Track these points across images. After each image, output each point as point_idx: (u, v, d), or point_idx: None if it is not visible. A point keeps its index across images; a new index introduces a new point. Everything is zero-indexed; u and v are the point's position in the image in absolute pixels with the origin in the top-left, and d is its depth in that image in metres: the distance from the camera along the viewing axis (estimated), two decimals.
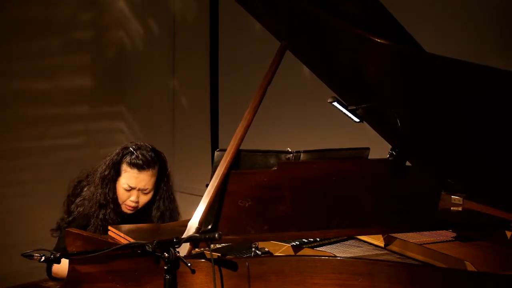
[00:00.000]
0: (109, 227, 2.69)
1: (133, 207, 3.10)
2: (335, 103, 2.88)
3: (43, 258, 2.26)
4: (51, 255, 2.26)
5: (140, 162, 3.06)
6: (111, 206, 3.07)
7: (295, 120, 4.70)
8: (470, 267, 2.42)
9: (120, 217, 3.12)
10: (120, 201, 3.11)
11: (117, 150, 3.12)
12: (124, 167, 3.08)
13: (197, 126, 5.40)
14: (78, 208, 3.12)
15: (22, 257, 2.28)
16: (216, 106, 5.24)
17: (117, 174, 3.09)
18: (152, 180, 3.10)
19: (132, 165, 3.06)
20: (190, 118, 5.49)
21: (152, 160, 3.09)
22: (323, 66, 2.89)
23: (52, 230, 3.18)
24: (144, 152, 3.09)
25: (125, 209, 3.12)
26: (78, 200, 3.15)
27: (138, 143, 3.15)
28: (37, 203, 5.05)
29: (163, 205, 3.16)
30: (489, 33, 3.74)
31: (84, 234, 2.63)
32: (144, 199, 3.11)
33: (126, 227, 2.75)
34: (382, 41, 2.36)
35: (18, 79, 5.09)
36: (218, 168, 2.41)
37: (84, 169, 3.27)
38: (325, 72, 2.92)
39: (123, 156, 3.09)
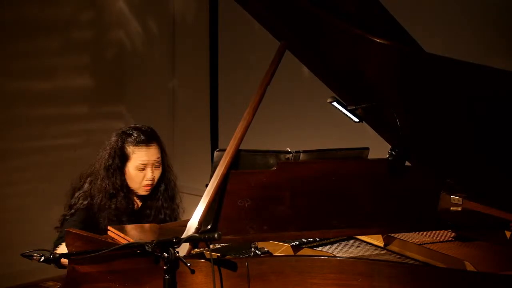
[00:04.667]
0: (109, 227, 2.69)
1: (151, 185, 3.14)
2: (335, 103, 2.88)
3: (42, 258, 2.25)
4: (50, 255, 2.26)
5: (144, 138, 3.12)
6: (121, 194, 3.10)
7: (295, 120, 4.69)
8: (469, 267, 2.42)
9: (131, 204, 3.15)
10: (135, 185, 3.13)
11: (114, 138, 3.14)
12: (131, 148, 3.11)
13: (196, 126, 5.40)
14: (80, 201, 3.12)
15: (22, 257, 2.28)
16: (215, 106, 5.24)
17: (124, 160, 3.11)
18: (160, 151, 3.16)
19: (138, 143, 3.11)
20: (189, 118, 5.49)
21: (152, 133, 3.17)
22: (322, 66, 2.88)
23: (56, 228, 3.18)
24: (142, 129, 3.16)
25: (143, 191, 3.14)
26: (77, 193, 3.15)
27: (130, 125, 3.20)
28: (37, 203, 5.05)
29: (168, 176, 3.22)
30: (491, 33, 3.74)
31: (84, 234, 2.62)
32: (157, 173, 3.16)
33: (125, 227, 2.76)
34: (381, 41, 2.36)
35: (18, 79, 5.08)
36: (218, 168, 2.41)
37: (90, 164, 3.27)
38: (324, 72, 2.92)
39: (124, 140, 3.12)
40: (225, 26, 5.11)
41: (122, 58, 5.73)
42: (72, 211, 3.13)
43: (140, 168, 3.10)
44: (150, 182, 3.13)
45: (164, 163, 3.19)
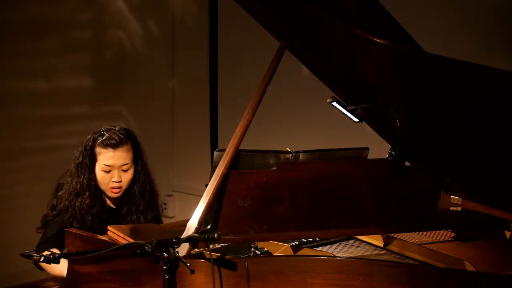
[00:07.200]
0: (109, 227, 2.68)
1: (118, 187, 3.09)
2: (334, 103, 2.88)
3: (42, 258, 2.25)
4: (50, 255, 2.26)
5: (113, 141, 3.08)
6: (87, 193, 3.07)
7: (295, 120, 4.69)
8: (469, 267, 2.42)
9: (100, 204, 3.11)
10: (103, 186, 3.10)
11: (89, 136, 3.14)
12: (99, 149, 3.09)
13: (196, 126, 5.40)
14: (60, 202, 3.11)
15: (22, 257, 2.28)
16: (215, 106, 5.23)
17: (93, 159, 3.09)
18: (129, 155, 3.10)
19: (106, 145, 3.08)
20: (189, 118, 5.48)
21: (123, 137, 3.11)
22: (322, 66, 2.88)
23: (37, 229, 3.17)
24: (114, 131, 3.12)
25: (111, 193, 3.11)
26: (59, 193, 3.15)
27: (108, 126, 3.17)
28: (37, 203, 5.03)
29: (142, 180, 3.16)
30: (491, 33, 3.74)
31: (83, 234, 2.63)
32: (126, 177, 3.10)
33: (125, 227, 2.76)
34: (381, 41, 2.36)
35: (18, 79, 5.08)
36: (218, 168, 2.41)
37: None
38: (324, 72, 2.92)
39: (95, 140, 3.11)
40: (225, 26, 5.11)
41: (122, 58, 5.73)
42: (55, 212, 3.12)
43: (105, 170, 3.07)
44: (116, 185, 3.08)
45: (137, 167, 3.13)
